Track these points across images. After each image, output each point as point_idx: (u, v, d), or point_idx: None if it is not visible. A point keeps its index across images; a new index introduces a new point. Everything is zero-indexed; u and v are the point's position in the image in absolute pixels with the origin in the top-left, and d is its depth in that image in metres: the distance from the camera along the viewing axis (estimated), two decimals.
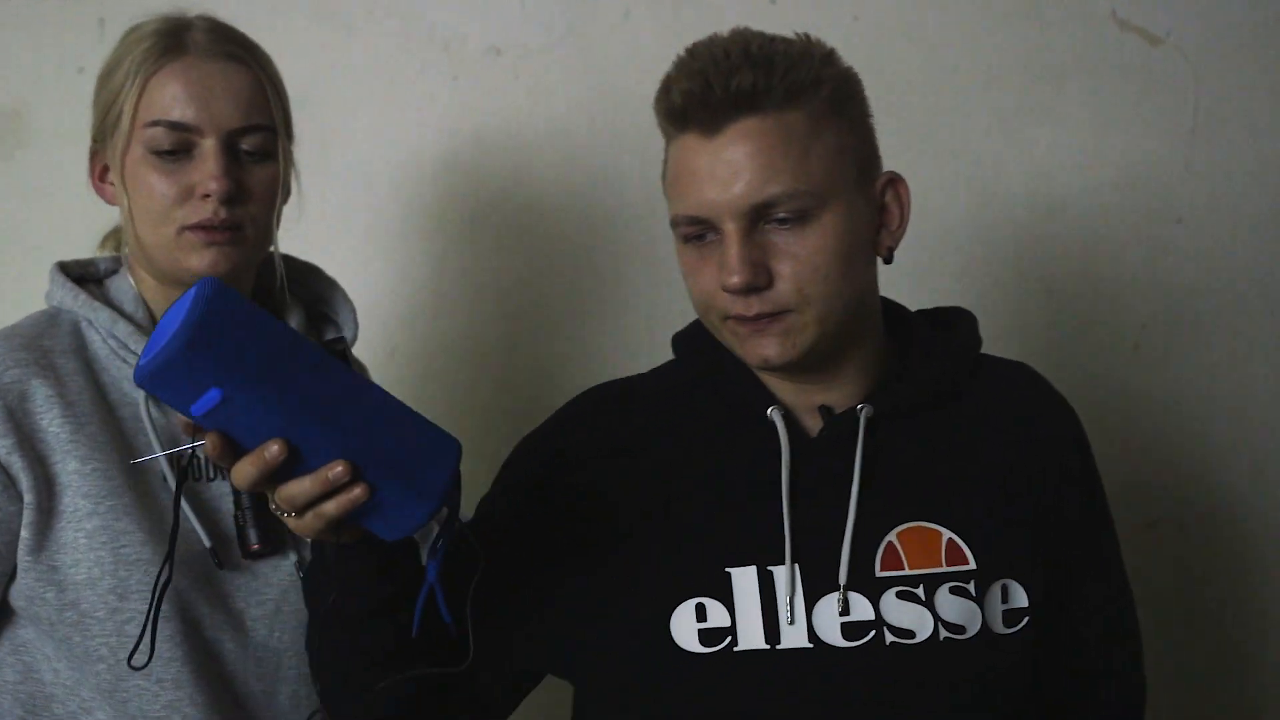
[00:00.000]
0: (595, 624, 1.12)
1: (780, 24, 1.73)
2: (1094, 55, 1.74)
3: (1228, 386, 1.74)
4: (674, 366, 1.21)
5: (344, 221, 1.83)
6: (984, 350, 1.20)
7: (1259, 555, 1.73)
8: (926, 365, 1.14)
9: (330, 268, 1.81)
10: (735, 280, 1.02)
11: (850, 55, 1.63)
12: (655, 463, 1.13)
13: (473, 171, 1.82)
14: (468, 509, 1.08)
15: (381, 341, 1.82)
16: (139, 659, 1.00)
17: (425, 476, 0.90)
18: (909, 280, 1.72)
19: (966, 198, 1.76)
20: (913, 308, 1.22)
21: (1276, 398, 1.73)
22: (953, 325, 1.20)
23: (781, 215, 1.03)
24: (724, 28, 1.73)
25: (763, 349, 1.06)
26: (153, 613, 0.99)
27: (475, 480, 1.07)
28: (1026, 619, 1.09)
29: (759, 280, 1.03)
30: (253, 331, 0.85)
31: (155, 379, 0.83)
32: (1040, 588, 1.11)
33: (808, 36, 1.09)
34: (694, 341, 1.17)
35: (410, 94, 1.82)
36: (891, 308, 1.20)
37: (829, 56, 1.08)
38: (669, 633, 1.07)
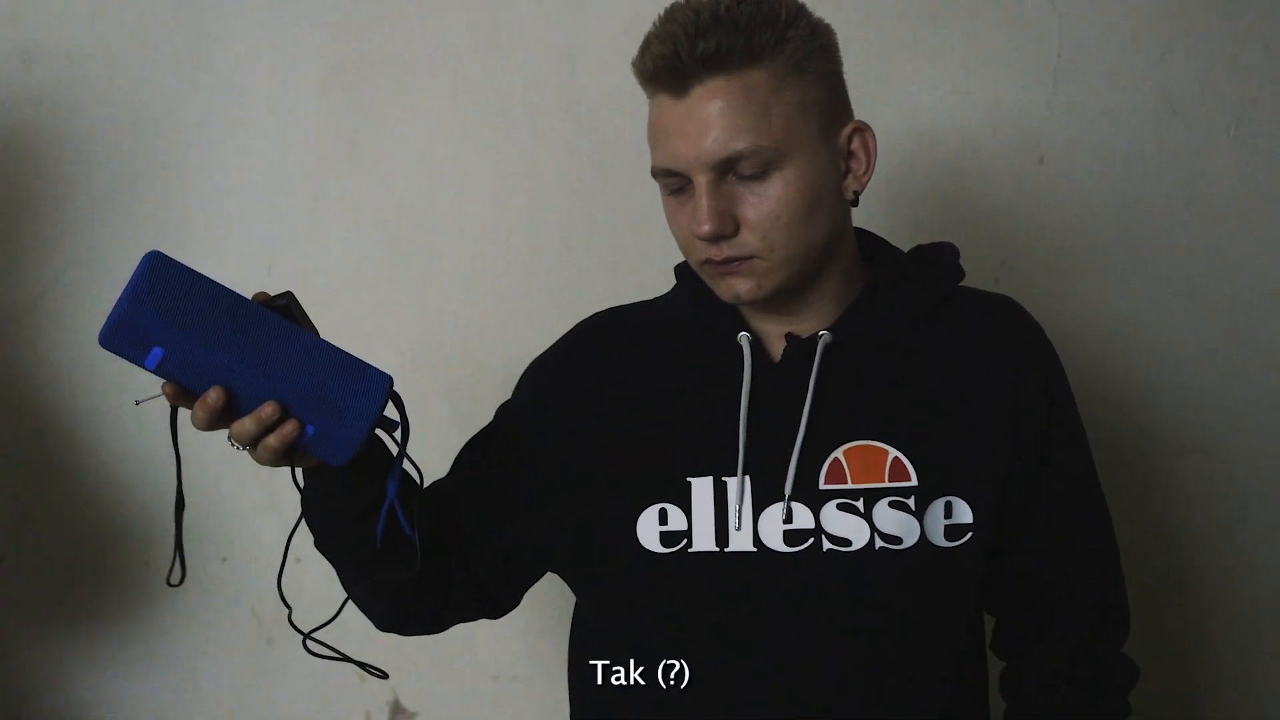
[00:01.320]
0: (575, 524, 1.24)
1: None
2: None
3: (1084, 321, 1.81)
4: (671, 293, 1.32)
5: (220, 137, 1.80)
6: None
7: (1111, 483, 1.81)
8: (891, 297, 1.22)
9: (208, 187, 1.80)
10: (705, 229, 1.11)
11: None
12: (635, 381, 1.24)
13: (355, 91, 1.80)
14: None
15: (258, 263, 1.80)
16: (174, 578, 1.14)
17: (350, 409, 1.05)
18: None
19: None
20: None
21: (1134, 330, 1.82)
22: (934, 259, 1.27)
23: (746, 169, 1.11)
24: None
25: (734, 287, 1.15)
26: (177, 538, 1.16)
27: None
28: (970, 534, 1.17)
29: (725, 229, 1.12)
30: (187, 295, 1.00)
31: (108, 340, 1.00)
32: (989, 506, 1.18)
33: None
34: (688, 272, 1.27)
35: (292, 8, 1.79)
36: (874, 243, 1.29)
37: (796, 15, 1.14)
38: (635, 534, 1.19)
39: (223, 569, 1.84)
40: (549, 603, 1.59)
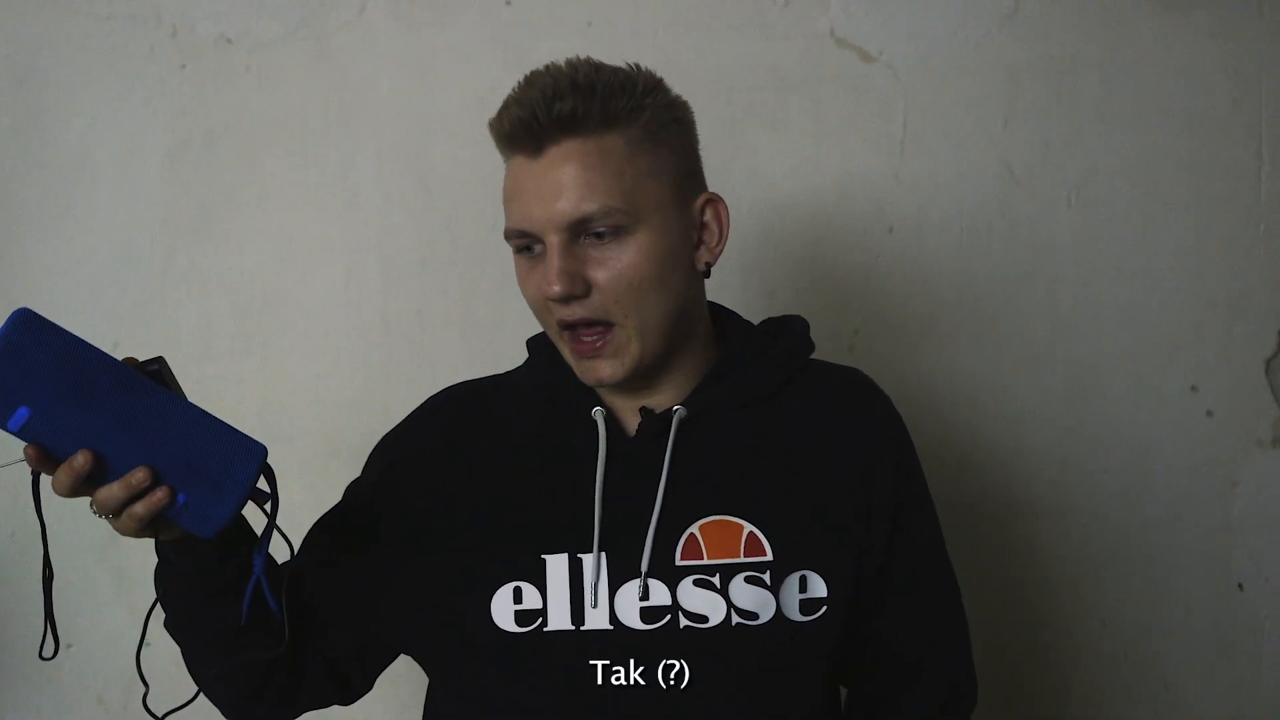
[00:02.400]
0: (429, 604, 1.21)
1: (516, 25, 1.80)
2: (814, 68, 1.82)
3: (934, 386, 1.84)
4: (524, 367, 1.31)
5: (64, 208, 1.77)
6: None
7: (961, 549, 1.83)
8: (744, 371, 1.23)
9: (53, 259, 1.76)
10: (554, 290, 1.11)
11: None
12: (489, 458, 1.23)
13: (203, 163, 1.78)
14: None
15: (103, 337, 1.76)
16: (46, 651, 1.11)
17: (226, 479, 1.01)
18: None
19: None
20: None
21: (979, 395, 1.85)
22: (784, 332, 1.29)
23: (598, 230, 1.12)
24: (460, 27, 1.79)
25: (596, 371, 1.16)
26: (47, 609, 1.13)
27: None
28: (825, 609, 1.17)
29: (576, 289, 1.12)
30: (56, 355, 0.96)
31: None
32: (843, 580, 1.18)
33: (637, 67, 1.17)
34: (541, 345, 1.28)
35: (136, 81, 1.77)
36: (726, 317, 1.30)
37: (653, 87, 1.17)
38: (490, 613, 1.17)
39: (67, 655, 1.79)
40: (403, 686, 1.56)
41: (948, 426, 1.84)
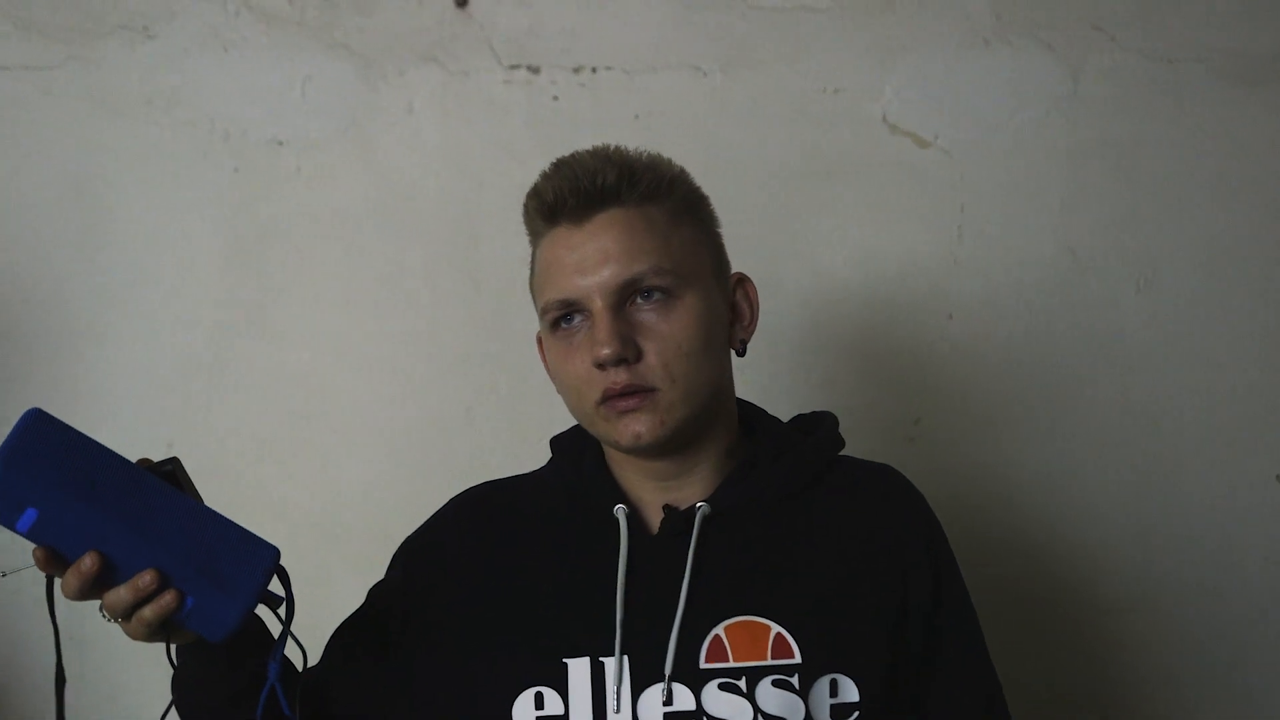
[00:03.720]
0: (451, 709, 1.18)
1: (563, 119, 1.79)
2: (867, 155, 1.80)
3: (999, 477, 1.78)
4: (548, 466, 1.30)
5: (119, 313, 1.79)
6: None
7: (1036, 641, 1.77)
8: (771, 467, 1.20)
9: (108, 364, 1.78)
10: (606, 351, 1.10)
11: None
12: (511, 559, 1.21)
13: (255, 263, 1.79)
14: None
15: (156, 438, 1.77)
16: None
17: (236, 582, 0.99)
18: None
19: None
20: None
21: (1046, 487, 1.79)
22: (811, 429, 1.26)
23: (648, 289, 1.12)
24: (508, 124, 1.79)
25: (634, 425, 1.12)
26: (58, 713, 1.09)
27: None
28: (856, 714, 1.12)
29: (628, 352, 1.11)
30: (65, 457, 0.96)
31: None
32: (876, 682, 1.13)
33: (659, 155, 1.19)
34: (563, 443, 1.28)
35: (191, 184, 1.79)
36: (752, 411, 1.27)
37: (680, 172, 1.20)
38: (511, 719, 1.13)
39: None
40: None
41: (1015, 518, 1.78)
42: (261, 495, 1.77)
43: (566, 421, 1.72)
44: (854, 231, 1.80)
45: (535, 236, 1.20)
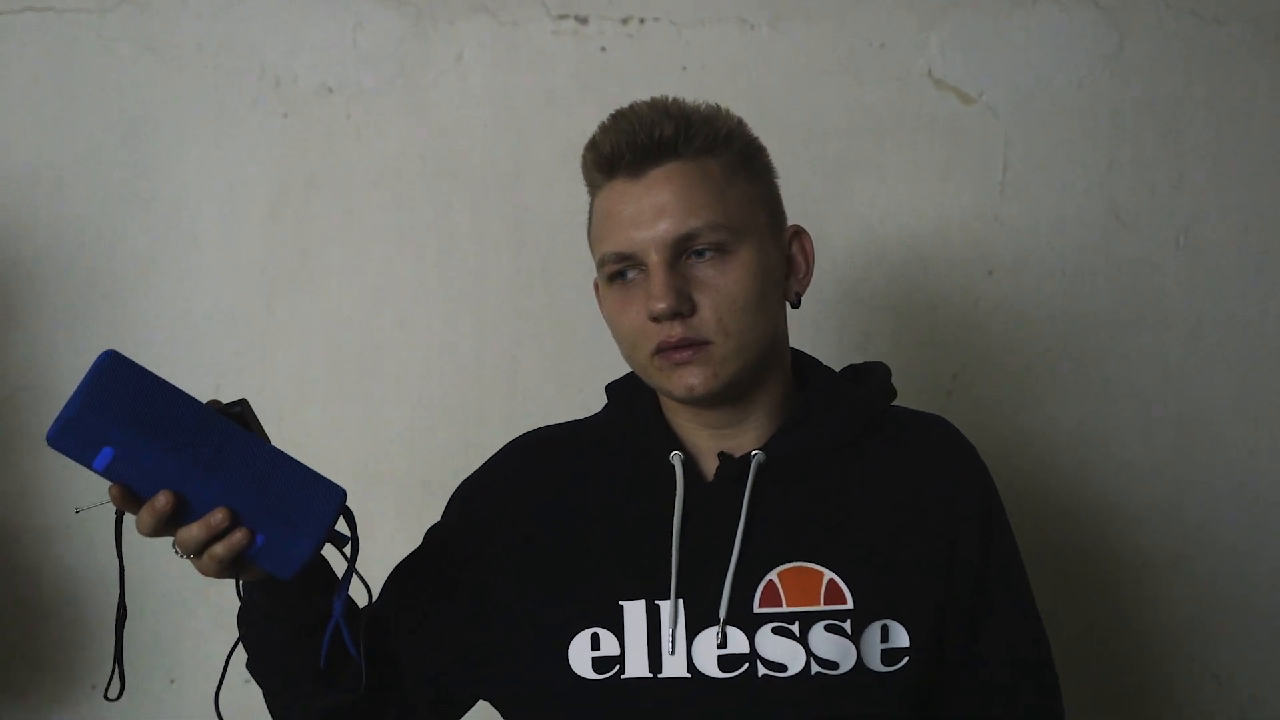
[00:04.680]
0: (507, 650, 1.21)
1: (611, 70, 1.80)
2: (911, 111, 1.80)
3: (1038, 434, 1.80)
4: (603, 412, 1.31)
5: (170, 259, 1.81)
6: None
7: (1069, 599, 1.79)
8: (824, 416, 1.21)
9: (158, 309, 1.81)
10: (661, 306, 1.11)
11: None
12: (567, 503, 1.23)
13: (303, 210, 1.81)
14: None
15: (205, 383, 1.80)
16: (112, 692, 1.12)
17: (305, 521, 1.02)
18: None
19: None
20: None
21: (1082, 444, 1.80)
22: (865, 378, 1.27)
23: (702, 247, 1.13)
24: (555, 75, 1.80)
25: (688, 377, 1.14)
26: (116, 649, 1.14)
27: None
28: (907, 659, 1.15)
29: (683, 307, 1.12)
30: (141, 397, 0.98)
31: (57, 440, 0.97)
32: (926, 630, 1.16)
33: (718, 106, 1.19)
34: (619, 390, 1.29)
35: (240, 130, 1.81)
36: (806, 360, 1.28)
37: (738, 124, 1.20)
38: (567, 660, 1.16)
39: (170, 691, 1.82)
40: None
41: (1051, 474, 1.80)
42: (306, 441, 1.77)
43: (610, 371, 1.75)
44: (897, 187, 1.80)
45: (593, 188, 1.21)
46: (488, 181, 1.81)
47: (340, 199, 1.81)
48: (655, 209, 1.13)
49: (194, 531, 1.01)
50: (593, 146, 1.18)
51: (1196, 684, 1.79)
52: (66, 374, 1.79)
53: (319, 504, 1.03)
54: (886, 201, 1.81)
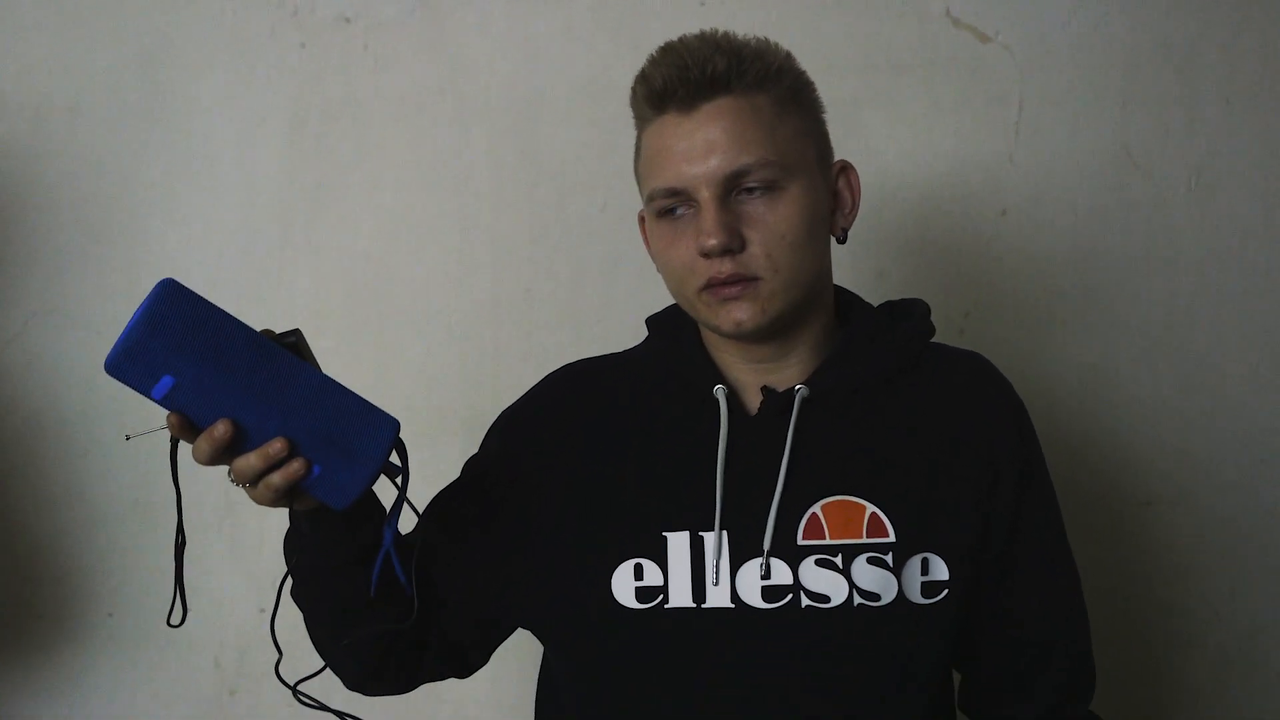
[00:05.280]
0: (549, 579, 1.22)
1: (629, 6, 1.80)
2: (927, 49, 1.80)
3: (1045, 372, 1.82)
4: (644, 345, 1.31)
5: (187, 186, 1.81)
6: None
7: (1072, 534, 1.81)
8: (867, 352, 1.22)
9: (176, 235, 1.81)
10: (712, 242, 1.11)
11: None
12: (610, 435, 1.23)
13: (320, 140, 1.81)
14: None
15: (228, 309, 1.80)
16: (175, 618, 1.13)
17: (361, 451, 1.03)
18: None
19: None
20: None
21: (1095, 381, 1.82)
22: (905, 315, 1.28)
23: (752, 184, 1.12)
24: (574, 6, 1.79)
25: (736, 313, 1.14)
26: (178, 577, 1.14)
27: None
28: (946, 591, 1.17)
29: (733, 243, 1.12)
30: (200, 326, 0.97)
31: (116, 367, 0.97)
32: (965, 563, 1.18)
33: (767, 40, 1.19)
34: (662, 323, 1.29)
35: (257, 59, 1.81)
36: (848, 297, 1.29)
37: (788, 56, 1.20)
38: (610, 589, 1.17)
39: (186, 619, 1.83)
40: (510, 661, 1.58)
41: (1059, 411, 1.82)
42: (323, 367, 1.80)
43: (625, 306, 1.77)
44: (912, 125, 1.81)
45: (642, 122, 1.19)
46: (505, 114, 1.81)
47: (357, 130, 1.81)
48: (706, 145, 1.12)
49: (251, 461, 1.01)
50: (643, 80, 1.17)
51: (1198, 618, 1.83)
52: (85, 300, 1.80)
53: (374, 434, 1.03)
54: (902, 139, 1.81)
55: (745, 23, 1.73)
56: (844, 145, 1.77)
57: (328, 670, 1.22)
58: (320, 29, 1.80)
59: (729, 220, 1.12)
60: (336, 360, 1.81)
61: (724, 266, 1.12)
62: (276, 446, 1.00)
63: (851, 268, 1.81)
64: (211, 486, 1.66)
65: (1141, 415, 1.81)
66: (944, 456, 1.20)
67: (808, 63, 1.77)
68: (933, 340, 1.28)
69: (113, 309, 1.77)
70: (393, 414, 1.05)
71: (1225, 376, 1.80)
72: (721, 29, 1.17)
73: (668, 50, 1.16)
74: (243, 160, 1.81)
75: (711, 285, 1.14)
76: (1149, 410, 1.81)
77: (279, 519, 1.21)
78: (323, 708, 1.16)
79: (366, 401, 1.04)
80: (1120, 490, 1.82)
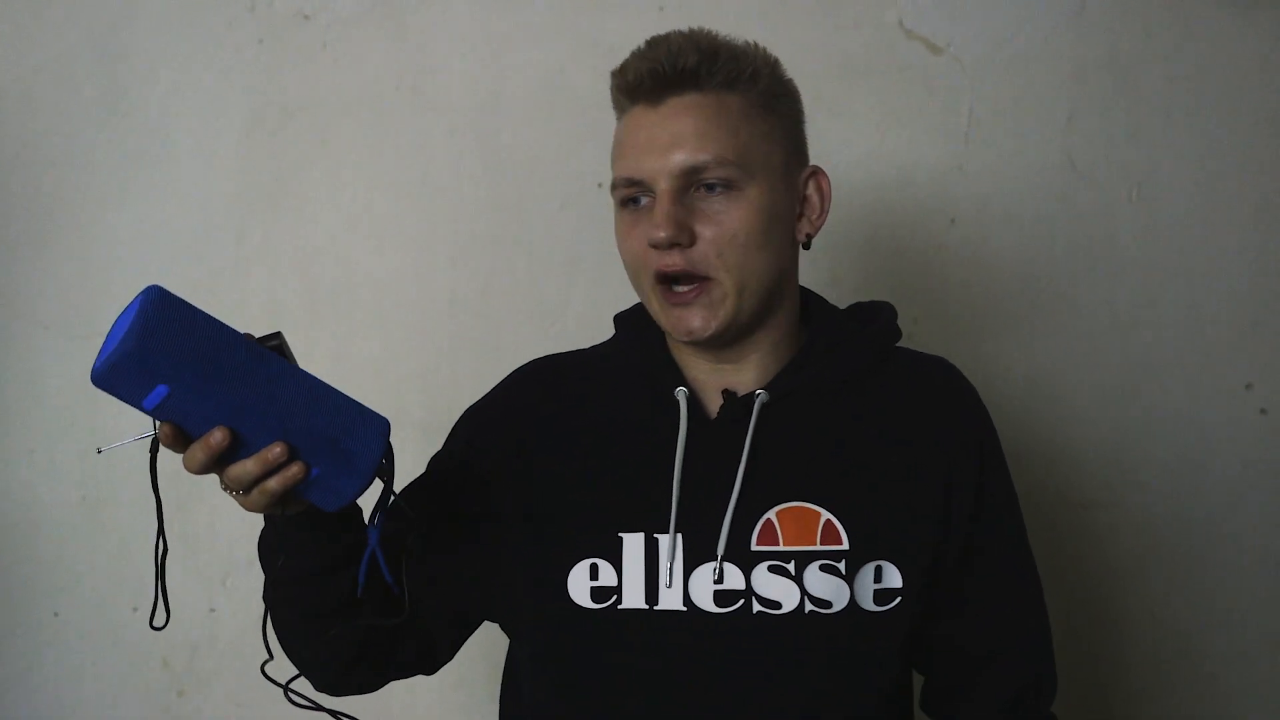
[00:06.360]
0: (510, 575, 1.22)
1: (588, 8, 1.82)
2: (881, 58, 1.84)
3: (989, 377, 1.85)
4: (609, 343, 1.31)
5: (141, 179, 1.80)
6: None
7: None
8: (829, 356, 1.22)
9: (130, 228, 1.79)
10: (661, 234, 1.12)
11: None
12: (572, 432, 1.23)
13: (278, 135, 1.81)
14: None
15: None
16: (158, 621, 1.10)
17: (357, 452, 1.01)
18: None
19: None
20: None
21: (1032, 388, 1.86)
22: (871, 318, 1.29)
23: (711, 181, 1.13)
24: (532, 8, 1.81)
25: (688, 319, 1.16)
26: (159, 581, 1.12)
27: None
28: (899, 599, 1.17)
29: (682, 237, 1.13)
30: (194, 333, 0.94)
31: (106, 379, 0.93)
32: (919, 571, 1.18)
33: (757, 45, 1.21)
34: (628, 321, 1.29)
35: (215, 53, 1.80)
36: (814, 300, 1.30)
37: (773, 63, 1.21)
38: (566, 589, 1.18)
39: (134, 619, 1.82)
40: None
41: (1001, 417, 1.79)
42: None
43: (586, 302, 1.78)
44: (865, 132, 1.84)
45: (619, 112, 1.20)
46: (465, 113, 1.82)
47: (316, 126, 1.81)
48: (669, 138, 1.13)
49: (248, 467, 0.99)
50: (620, 71, 1.18)
51: (1133, 619, 1.87)
52: (35, 292, 1.77)
53: (368, 435, 1.02)
54: (854, 147, 1.84)
55: (694, 23, 1.76)
56: None
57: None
58: (279, 25, 1.80)
59: (681, 214, 1.13)
60: (295, 356, 1.81)
61: (673, 260, 1.13)
62: (276, 451, 0.98)
63: (806, 269, 1.83)
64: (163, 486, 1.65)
65: (1081, 421, 1.85)
66: (903, 463, 1.20)
67: None
68: (901, 345, 1.29)
69: (62, 302, 1.76)
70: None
71: (1163, 384, 1.85)
72: (710, 29, 1.19)
73: (651, 43, 1.17)
74: (199, 154, 1.81)
75: (663, 280, 1.15)
76: (1088, 416, 1.85)
77: (231, 519, 1.21)
78: (316, 707, 1.16)
79: (358, 402, 1.02)
80: (1057, 495, 1.85)
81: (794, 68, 1.81)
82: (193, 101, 1.80)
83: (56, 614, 1.81)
